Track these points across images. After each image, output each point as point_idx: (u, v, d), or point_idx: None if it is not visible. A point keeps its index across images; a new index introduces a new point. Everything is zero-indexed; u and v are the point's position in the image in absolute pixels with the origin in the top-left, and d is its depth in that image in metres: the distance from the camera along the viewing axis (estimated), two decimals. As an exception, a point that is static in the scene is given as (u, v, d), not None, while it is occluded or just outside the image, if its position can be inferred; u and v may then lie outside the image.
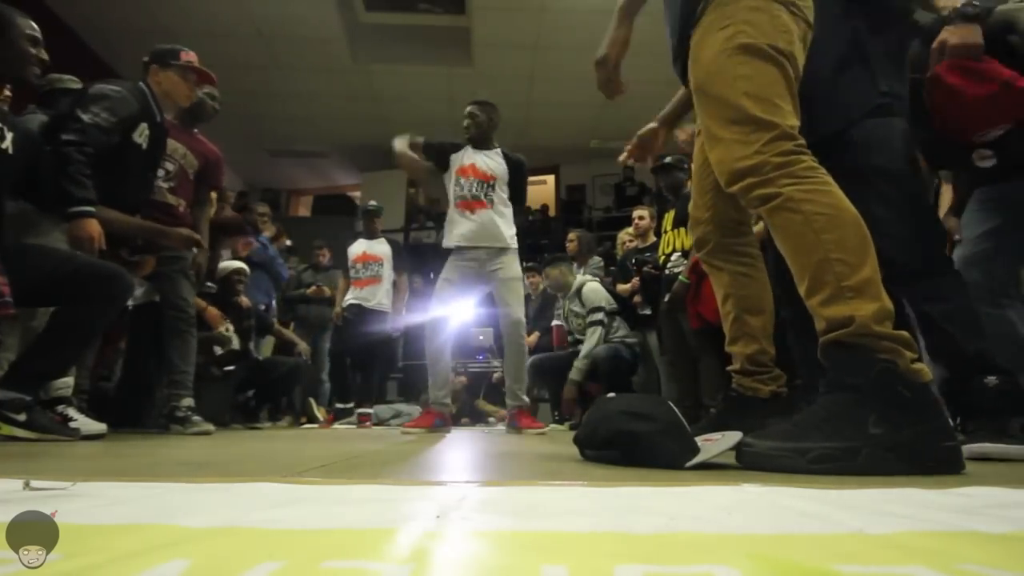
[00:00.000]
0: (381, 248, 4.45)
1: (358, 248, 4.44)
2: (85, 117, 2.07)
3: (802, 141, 1.11)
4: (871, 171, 1.38)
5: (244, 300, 3.77)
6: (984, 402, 1.31)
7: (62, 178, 1.98)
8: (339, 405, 4.23)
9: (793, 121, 1.12)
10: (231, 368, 3.62)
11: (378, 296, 4.35)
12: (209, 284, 3.39)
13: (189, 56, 2.47)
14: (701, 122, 1.24)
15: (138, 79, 2.40)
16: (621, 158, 1.81)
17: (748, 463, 0.97)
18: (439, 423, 2.82)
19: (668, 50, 1.41)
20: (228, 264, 3.86)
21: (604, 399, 1.16)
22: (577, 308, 4.01)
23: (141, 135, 2.29)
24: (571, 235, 4.84)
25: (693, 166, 1.51)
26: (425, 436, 2.43)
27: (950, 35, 1.33)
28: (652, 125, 1.76)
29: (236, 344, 3.75)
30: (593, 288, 3.99)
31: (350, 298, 4.32)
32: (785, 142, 1.09)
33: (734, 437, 0.98)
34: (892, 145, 1.43)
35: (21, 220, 2.01)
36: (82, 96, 2.14)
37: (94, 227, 1.98)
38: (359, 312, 4.27)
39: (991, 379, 1.32)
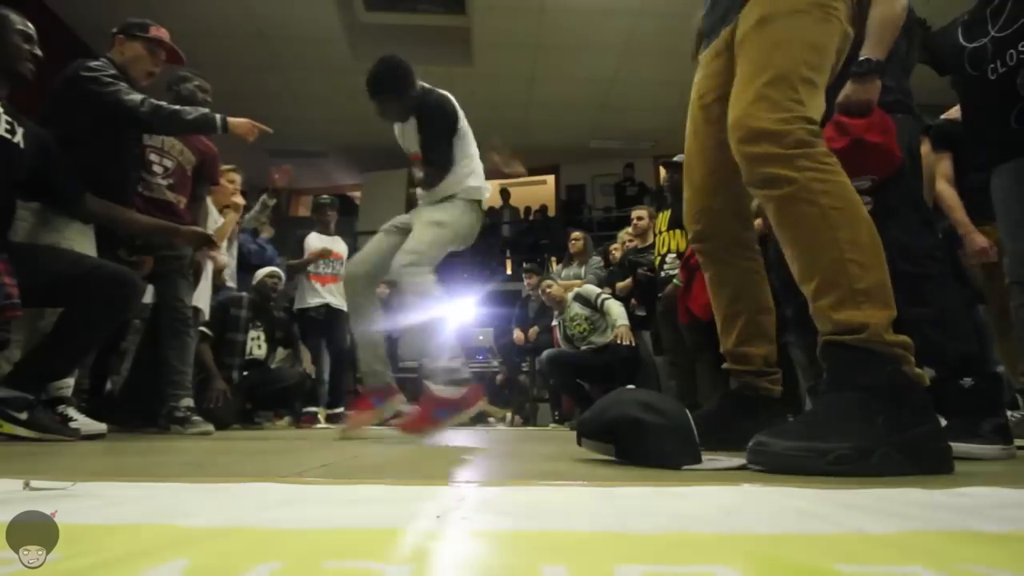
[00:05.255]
0: (342, 246, 4.28)
1: (316, 242, 4.16)
2: (108, 91, 2.07)
3: (818, 128, 1.07)
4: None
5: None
6: (959, 403, 1.31)
7: (174, 125, 2.17)
8: (308, 409, 4.04)
9: (819, 113, 1.08)
10: (245, 373, 3.62)
11: (339, 296, 4.09)
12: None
13: (159, 32, 2.34)
14: (740, 56, 1.14)
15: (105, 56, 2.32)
16: None
17: (764, 463, 0.92)
18: (376, 401, 2.11)
19: None
20: (262, 271, 3.85)
21: (622, 389, 1.11)
22: (578, 308, 4.08)
23: None
24: (576, 234, 4.88)
25: (687, 133, 1.37)
26: (424, 437, 1.91)
27: (846, 90, 1.35)
28: None
29: (263, 352, 3.73)
30: (585, 287, 4.16)
31: (318, 297, 4.04)
32: (811, 124, 1.05)
33: (738, 463, 0.96)
34: (900, 143, 1.42)
35: (35, 218, 1.99)
36: (79, 81, 2.07)
37: (240, 120, 2.17)
38: (328, 314, 4.05)
39: (967, 380, 1.34)
